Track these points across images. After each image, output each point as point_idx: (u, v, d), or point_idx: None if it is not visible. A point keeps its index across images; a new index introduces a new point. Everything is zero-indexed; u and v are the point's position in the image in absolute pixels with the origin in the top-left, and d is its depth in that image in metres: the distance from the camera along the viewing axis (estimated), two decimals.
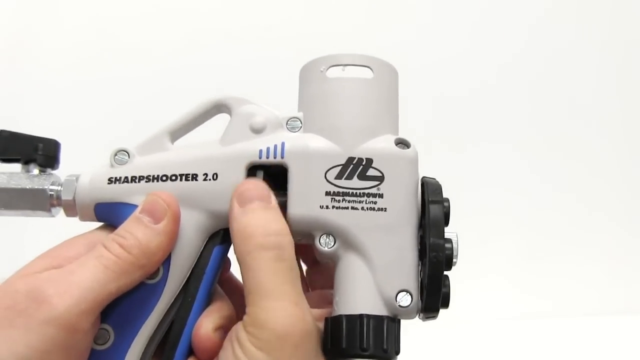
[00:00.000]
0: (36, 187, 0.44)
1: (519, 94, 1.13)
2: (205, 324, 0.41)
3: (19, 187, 0.43)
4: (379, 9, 1.09)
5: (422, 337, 0.89)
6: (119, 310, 0.40)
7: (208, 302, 0.43)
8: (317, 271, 0.49)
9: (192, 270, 0.42)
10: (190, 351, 0.42)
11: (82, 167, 0.45)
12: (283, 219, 0.41)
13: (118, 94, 1.01)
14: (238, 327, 0.39)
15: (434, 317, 0.41)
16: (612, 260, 1.13)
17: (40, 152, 0.44)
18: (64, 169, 0.46)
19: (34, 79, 1.00)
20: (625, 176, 1.15)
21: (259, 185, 0.41)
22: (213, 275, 0.43)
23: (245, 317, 0.39)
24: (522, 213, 1.12)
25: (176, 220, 0.41)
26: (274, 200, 0.41)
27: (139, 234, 0.40)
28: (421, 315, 0.41)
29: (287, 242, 0.40)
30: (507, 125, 1.12)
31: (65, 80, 1.00)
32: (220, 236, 0.43)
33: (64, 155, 0.46)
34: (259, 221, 0.40)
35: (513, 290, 1.11)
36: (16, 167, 0.45)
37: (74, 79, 1.01)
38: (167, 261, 0.41)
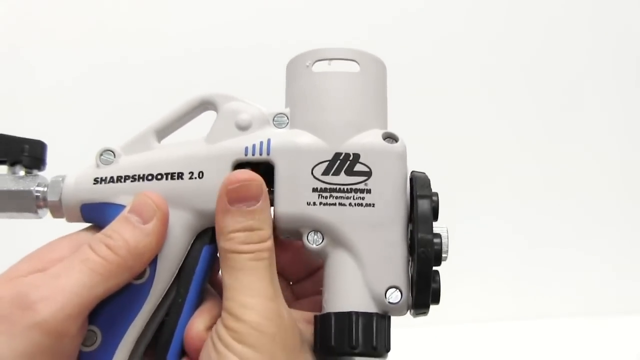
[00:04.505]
0: (22, 188, 0.43)
1: (517, 93, 1.11)
2: (197, 325, 0.41)
3: (5, 189, 0.43)
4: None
5: (417, 338, 0.89)
6: (106, 311, 0.40)
7: (199, 302, 0.42)
8: (306, 283, 0.49)
9: (182, 271, 0.42)
10: (183, 352, 0.42)
11: (70, 167, 0.45)
12: (268, 219, 0.40)
13: (105, 94, 1.00)
14: (217, 324, 0.39)
15: (425, 313, 0.41)
16: (609, 261, 1.11)
17: (26, 154, 0.44)
18: (52, 169, 0.46)
19: (21, 78, 1.00)
20: (624, 176, 1.13)
21: (251, 183, 0.40)
22: (203, 275, 0.42)
23: (222, 313, 0.39)
24: (519, 213, 1.10)
25: (165, 221, 0.41)
26: (264, 196, 0.40)
27: (126, 235, 0.39)
28: (412, 311, 0.41)
29: (268, 246, 0.40)
30: (506, 126, 1.10)
31: (52, 81, 1.00)
32: (209, 235, 0.42)
33: (51, 155, 0.46)
34: (243, 225, 0.40)
35: (509, 291, 1.09)
36: (2, 169, 0.45)
37: (60, 79, 1.00)
38: (153, 261, 0.41)
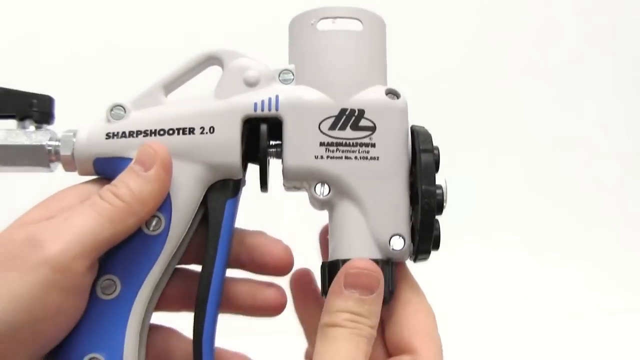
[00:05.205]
0: (34, 143, 0.44)
1: (521, 88, 1.12)
2: (271, 241, 0.47)
3: (18, 143, 0.44)
4: None
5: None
6: (124, 261, 0.42)
7: (229, 253, 0.45)
8: None
9: (209, 226, 0.44)
10: (219, 303, 0.44)
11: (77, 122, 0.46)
12: (377, 313, 0.41)
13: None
14: None
15: (426, 258, 0.43)
16: (612, 260, 1.12)
17: (35, 109, 0.45)
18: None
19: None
20: (628, 172, 1.15)
21: (371, 273, 0.41)
22: (230, 227, 0.45)
23: None
24: (523, 211, 1.11)
25: (166, 167, 0.42)
26: (379, 291, 0.41)
27: (130, 182, 0.41)
28: (413, 257, 0.44)
29: (371, 333, 0.40)
30: (506, 125, 1.11)
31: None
32: (230, 189, 0.44)
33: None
34: (351, 309, 0.40)
35: (512, 289, 1.10)
36: (11, 123, 0.45)
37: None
38: (168, 213, 0.43)
